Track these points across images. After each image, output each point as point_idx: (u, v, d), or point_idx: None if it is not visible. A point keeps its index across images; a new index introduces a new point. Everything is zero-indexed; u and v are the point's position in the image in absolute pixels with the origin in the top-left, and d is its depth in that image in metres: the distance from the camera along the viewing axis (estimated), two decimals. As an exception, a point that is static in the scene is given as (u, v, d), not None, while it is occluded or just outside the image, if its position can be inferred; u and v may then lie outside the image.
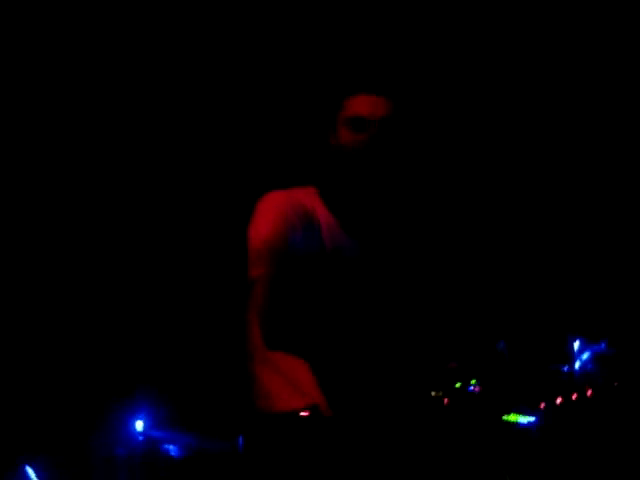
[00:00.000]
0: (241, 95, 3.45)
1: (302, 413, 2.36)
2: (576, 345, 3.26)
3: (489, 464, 2.17)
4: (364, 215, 2.52)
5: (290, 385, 2.46)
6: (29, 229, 3.10)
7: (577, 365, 3.14)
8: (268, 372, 2.50)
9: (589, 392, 2.62)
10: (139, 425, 2.20)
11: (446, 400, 2.55)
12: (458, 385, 2.77)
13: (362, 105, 2.46)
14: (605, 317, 3.55)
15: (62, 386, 2.72)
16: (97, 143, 3.30)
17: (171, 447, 2.14)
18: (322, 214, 2.49)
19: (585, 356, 3.25)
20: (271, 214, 2.45)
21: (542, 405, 2.49)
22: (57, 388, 2.71)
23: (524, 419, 2.31)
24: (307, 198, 2.52)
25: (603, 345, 3.29)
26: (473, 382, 2.79)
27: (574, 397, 2.58)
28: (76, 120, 3.26)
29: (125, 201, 3.33)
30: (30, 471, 1.98)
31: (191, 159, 3.44)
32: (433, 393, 2.64)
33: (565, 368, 3.11)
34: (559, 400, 2.54)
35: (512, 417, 2.34)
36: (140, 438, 2.17)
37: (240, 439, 2.14)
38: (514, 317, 3.47)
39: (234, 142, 3.48)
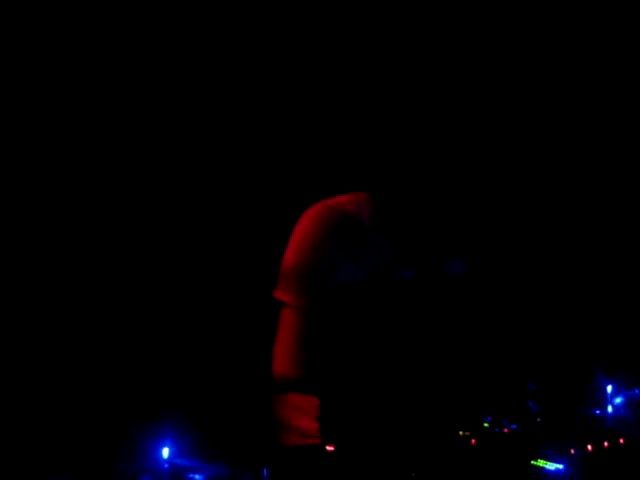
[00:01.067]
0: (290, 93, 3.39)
1: (328, 447, 2.35)
2: (609, 389, 3.20)
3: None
4: (425, 233, 2.41)
5: (313, 424, 2.43)
6: (39, 232, 3.09)
7: (610, 410, 3.09)
8: (291, 409, 2.48)
9: (621, 440, 2.57)
10: (165, 453, 2.21)
11: (473, 440, 2.52)
12: (486, 425, 2.73)
13: None
14: (639, 363, 3.48)
15: (90, 411, 2.73)
16: (104, 144, 3.27)
17: (196, 476, 2.14)
18: (373, 229, 2.37)
19: (618, 401, 3.18)
20: (313, 236, 2.36)
21: (572, 451, 2.44)
22: (85, 413, 2.72)
23: (552, 465, 2.27)
24: (358, 209, 2.38)
25: (637, 391, 3.22)
26: (501, 423, 2.75)
27: (606, 445, 2.53)
28: (76, 120, 3.25)
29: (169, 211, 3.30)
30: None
31: (220, 159, 3.41)
32: (461, 433, 2.60)
33: (597, 412, 3.05)
34: (590, 447, 2.49)
35: (540, 462, 2.30)
36: (166, 466, 2.18)
37: (265, 471, 2.14)
38: (547, 359, 3.42)
39: (275, 142, 3.43)
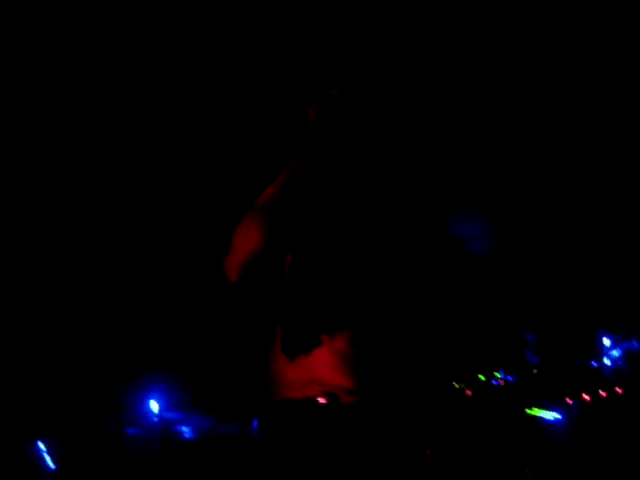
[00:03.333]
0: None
1: (320, 400, 2.32)
2: (607, 341, 3.17)
3: (510, 457, 2.10)
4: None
5: (306, 376, 2.39)
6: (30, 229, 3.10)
7: (607, 362, 3.06)
8: (284, 362, 2.44)
9: (619, 390, 2.55)
10: (154, 406, 2.17)
11: (468, 392, 2.49)
12: (482, 377, 2.71)
13: None
14: (637, 315, 3.45)
15: (78, 366, 2.71)
16: (97, 143, 3.28)
17: (185, 429, 2.10)
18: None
19: (615, 353, 3.16)
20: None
21: (569, 401, 2.41)
22: (73, 368, 2.71)
23: (549, 415, 2.24)
24: None
25: (635, 342, 3.20)
26: (497, 375, 2.73)
27: (603, 395, 2.51)
28: (76, 120, 3.25)
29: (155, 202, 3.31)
30: (43, 448, 1.97)
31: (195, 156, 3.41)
32: (456, 385, 2.58)
33: (594, 364, 3.03)
34: (587, 397, 2.46)
35: (536, 411, 2.27)
36: (154, 419, 2.15)
37: (254, 423, 2.10)
38: (545, 310, 3.39)
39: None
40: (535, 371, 2.86)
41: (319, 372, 2.39)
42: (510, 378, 2.71)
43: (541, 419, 2.20)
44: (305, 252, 2.41)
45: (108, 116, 3.25)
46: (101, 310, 2.85)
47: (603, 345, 3.21)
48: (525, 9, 3.48)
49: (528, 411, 2.22)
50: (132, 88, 3.27)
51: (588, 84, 3.62)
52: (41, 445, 1.89)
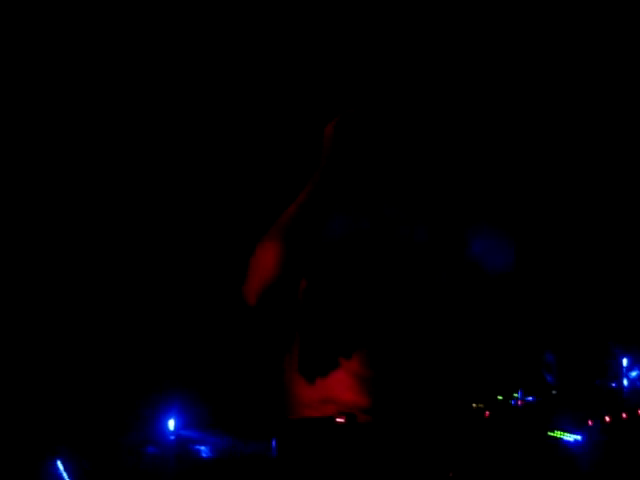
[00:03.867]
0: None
1: (338, 419, 2.30)
2: (625, 362, 3.14)
3: (530, 479, 2.08)
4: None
5: (322, 396, 2.39)
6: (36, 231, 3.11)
7: (626, 382, 3.03)
8: (300, 382, 2.43)
9: (639, 412, 2.51)
10: (171, 424, 2.16)
11: (487, 413, 2.47)
12: (500, 398, 2.68)
13: None
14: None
15: (95, 382, 2.70)
16: (97, 143, 3.29)
17: (202, 448, 2.09)
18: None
19: (634, 373, 3.12)
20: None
21: (590, 423, 2.38)
22: (90, 384, 2.70)
23: (570, 436, 2.21)
24: None
25: (653, 363, 3.16)
26: (516, 395, 2.70)
27: (624, 416, 2.47)
28: (76, 120, 3.27)
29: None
30: (60, 466, 1.96)
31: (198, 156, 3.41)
32: (474, 405, 2.56)
33: (613, 385, 3.00)
34: (608, 418, 2.43)
35: (557, 433, 2.24)
36: (171, 437, 2.13)
37: (273, 442, 2.09)
38: (564, 330, 3.36)
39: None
40: (554, 392, 2.83)
41: (336, 392, 2.38)
42: (529, 399, 2.68)
43: (562, 441, 2.17)
44: (321, 276, 2.40)
45: (109, 119, 3.26)
46: (121, 327, 2.86)
47: (622, 366, 3.17)
48: (525, 9, 3.48)
49: (549, 433, 2.19)
50: (136, 93, 3.29)
51: (590, 86, 3.62)
52: (59, 464, 1.88)
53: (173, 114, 3.35)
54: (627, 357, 3.15)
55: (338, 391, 2.41)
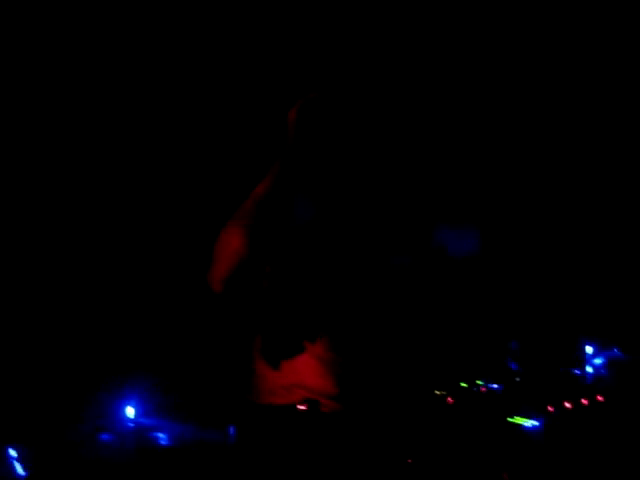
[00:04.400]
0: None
1: (300, 406, 2.29)
2: (589, 350, 3.17)
3: (489, 465, 2.08)
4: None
5: (289, 381, 2.37)
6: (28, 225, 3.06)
7: (589, 370, 3.06)
8: (266, 367, 2.41)
9: (600, 398, 2.53)
10: (130, 412, 2.13)
11: (450, 399, 2.47)
12: (464, 384, 2.69)
13: None
14: (619, 323, 3.45)
15: (52, 368, 2.67)
16: (96, 143, 3.25)
17: (161, 435, 2.07)
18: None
19: (598, 361, 3.15)
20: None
21: (550, 409, 2.40)
22: (47, 370, 2.66)
23: (529, 422, 2.22)
24: None
25: (616, 351, 3.19)
26: (479, 382, 2.71)
27: (585, 402, 2.49)
28: (76, 120, 3.23)
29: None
30: (13, 454, 1.92)
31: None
32: (437, 392, 2.56)
33: (577, 372, 3.02)
34: (568, 405, 2.45)
35: (517, 419, 2.25)
36: (130, 425, 2.11)
37: (231, 429, 2.06)
38: (529, 318, 3.38)
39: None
40: (517, 379, 2.84)
41: (301, 377, 2.36)
42: (492, 386, 2.70)
43: (521, 426, 2.18)
44: (284, 260, 2.38)
45: (106, 117, 3.23)
46: (78, 309, 2.82)
47: (586, 353, 3.20)
48: (524, 9, 3.47)
49: (509, 419, 2.20)
50: (130, 89, 3.25)
51: (588, 86, 3.61)
52: (11, 452, 1.84)
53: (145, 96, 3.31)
54: (591, 345, 3.18)
55: (304, 376, 2.39)
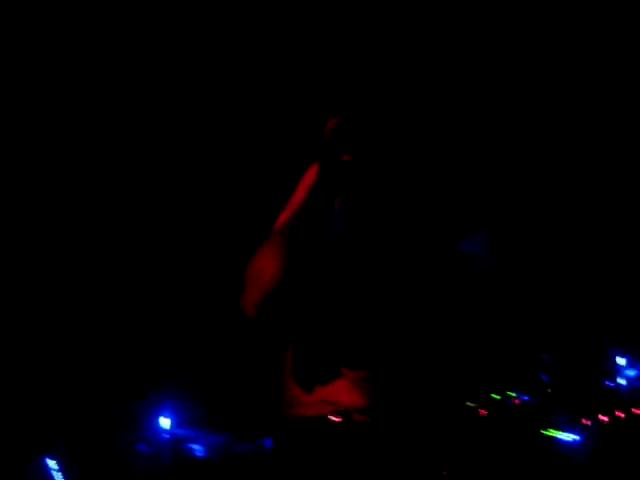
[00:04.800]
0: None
1: (333, 418, 2.29)
2: (623, 362, 3.14)
3: (526, 478, 2.07)
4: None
5: (319, 397, 2.37)
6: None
7: (623, 382, 3.02)
8: (296, 386, 2.41)
9: (636, 411, 2.51)
10: (165, 423, 2.15)
11: (483, 411, 2.46)
12: (497, 396, 2.67)
13: None
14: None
15: (89, 380, 2.69)
16: (97, 143, 3.27)
17: (196, 447, 2.08)
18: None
19: (632, 373, 3.12)
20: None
21: (585, 422, 2.37)
22: (84, 382, 2.68)
23: (566, 435, 2.20)
24: None
25: (651, 362, 3.16)
26: (512, 394, 2.69)
27: (620, 415, 2.47)
28: (76, 120, 3.24)
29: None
30: (52, 464, 1.94)
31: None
32: (470, 404, 2.55)
33: (610, 384, 2.99)
34: (604, 417, 2.42)
35: (553, 432, 2.23)
36: (165, 436, 2.12)
37: (267, 441, 2.07)
38: (560, 330, 3.35)
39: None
40: (550, 390, 2.82)
41: (332, 394, 2.36)
42: (525, 398, 2.68)
43: (558, 440, 2.16)
44: (320, 279, 2.38)
45: (109, 118, 3.23)
46: (116, 324, 2.84)
47: (618, 365, 3.17)
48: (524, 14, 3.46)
49: (544, 432, 2.18)
50: (133, 91, 3.26)
51: (588, 88, 3.59)
52: (50, 462, 1.86)
53: (175, 116, 3.33)
54: (625, 356, 3.15)
55: (336, 393, 2.38)
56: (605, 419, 2.39)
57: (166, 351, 2.73)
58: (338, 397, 2.39)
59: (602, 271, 3.72)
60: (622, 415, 2.44)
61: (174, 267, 3.12)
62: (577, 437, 2.17)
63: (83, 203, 3.14)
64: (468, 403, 2.57)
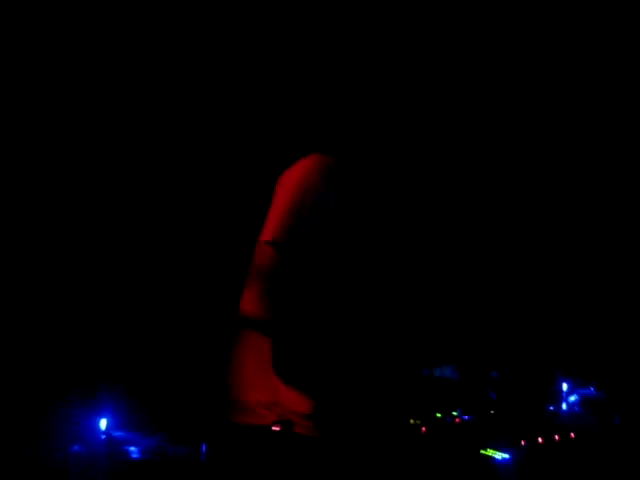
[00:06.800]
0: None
1: (274, 427, 2.30)
2: (565, 387, 3.19)
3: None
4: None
5: (269, 399, 2.38)
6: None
7: (564, 406, 3.07)
8: (248, 385, 2.42)
9: (572, 435, 2.55)
10: (103, 424, 2.13)
11: (423, 429, 2.48)
12: (439, 415, 2.70)
13: None
14: (597, 362, 3.48)
15: (25, 380, 2.64)
16: (96, 143, 3.25)
17: (133, 448, 2.06)
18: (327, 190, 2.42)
19: (573, 398, 3.17)
20: (309, 180, 2.38)
21: (522, 443, 2.41)
22: (19, 382, 2.64)
23: (500, 455, 2.24)
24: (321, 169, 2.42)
25: (592, 389, 3.21)
26: (454, 413, 2.72)
27: (556, 438, 2.51)
28: (76, 120, 3.22)
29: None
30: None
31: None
32: (412, 421, 2.57)
33: (552, 408, 3.04)
34: (540, 440, 2.46)
35: (489, 452, 2.26)
36: (102, 437, 2.10)
37: (203, 446, 2.07)
38: (511, 352, 3.39)
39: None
40: (492, 411, 2.86)
41: (282, 396, 2.36)
42: (466, 417, 2.71)
43: (491, 459, 2.20)
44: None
45: (110, 119, 3.22)
46: (56, 322, 2.81)
47: (562, 390, 3.22)
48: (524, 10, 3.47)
49: (482, 451, 2.21)
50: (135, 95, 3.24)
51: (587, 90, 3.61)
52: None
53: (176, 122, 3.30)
54: (567, 382, 3.20)
55: (284, 395, 2.40)
56: (541, 441, 2.43)
57: (105, 352, 2.71)
58: (286, 402, 2.40)
59: (556, 298, 3.78)
60: (558, 438, 2.49)
61: (117, 263, 3.09)
62: (510, 457, 2.21)
63: (81, 203, 3.13)
64: (411, 420, 2.59)
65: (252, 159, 3.14)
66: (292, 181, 2.37)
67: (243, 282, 2.49)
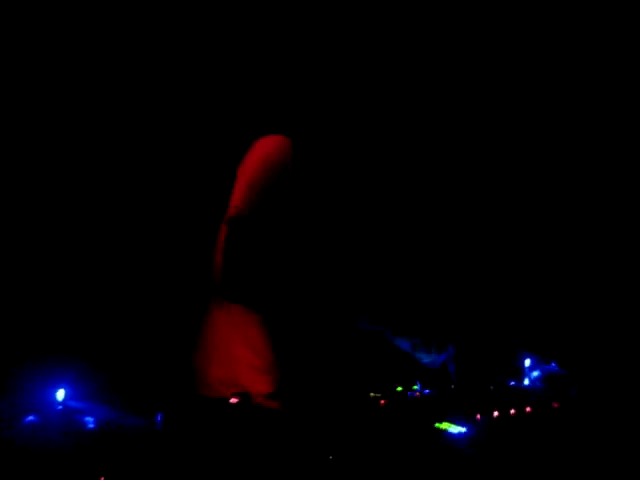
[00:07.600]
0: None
1: (231, 400, 2.31)
2: (527, 362, 3.23)
3: (413, 469, 2.12)
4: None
5: (229, 378, 2.40)
6: None
7: (526, 382, 3.11)
8: (209, 361, 2.44)
9: (528, 409, 2.59)
10: (59, 394, 2.13)
11: (382, 402, 2.51)
12: (399, 389, 2.73)
13: None
14: (559, 338, 3.52)
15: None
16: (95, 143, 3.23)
17: (89, 419, 2.07)
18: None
19: (535, 374, 3.22)
20: (278, 155, 2.39)
21: (478, 417, 2.44)
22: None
23: (455, 429, 2.27)
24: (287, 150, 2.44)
25: (554, 365, 3.26)
26: (415, 387, 2.75)
27: (512, 412, 2.54)
28: (76, 120, 3.20)
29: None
30: None
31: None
32: (372, 394, 2.60)
33: (512, 383, 3.08)
34: (496, 413, 2.50)
35: (444, 425, 2.29)
36: (58, 407, 2.10)
37: (158, 417, 2.07)
38: (471, 326, 3.43)
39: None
40: (452, 386, 2.89)
41: (242, 375, 2.38)
42: (426, 391, 2.74)
43: (447, 432, 2.23)
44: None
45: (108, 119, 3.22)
46: (12, 290, 2.80)
47: (524, 366, 3.26)
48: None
49: (437, 425, 2.24)
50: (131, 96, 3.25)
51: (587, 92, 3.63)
52: None
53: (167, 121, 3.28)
54: (530, 358, 3.24)
55: (244, 375, 2.42)
56: (497, 414, 2.46)
57: (64, 321, 2.70)
58: (246, 381, 2.42)
59: (520, 274, 3.81)
60: (514, 412, 2.52)
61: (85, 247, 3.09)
62: (466, 430, 2.24)
63: (80, 202, 3.12)
64: (371, 393, 2.62)
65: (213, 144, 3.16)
66: (252, 159, 2.38)
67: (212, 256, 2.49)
